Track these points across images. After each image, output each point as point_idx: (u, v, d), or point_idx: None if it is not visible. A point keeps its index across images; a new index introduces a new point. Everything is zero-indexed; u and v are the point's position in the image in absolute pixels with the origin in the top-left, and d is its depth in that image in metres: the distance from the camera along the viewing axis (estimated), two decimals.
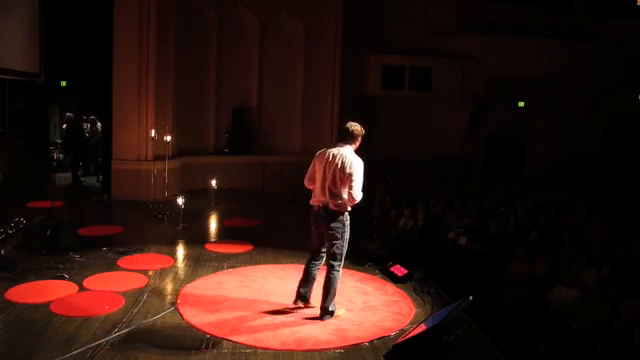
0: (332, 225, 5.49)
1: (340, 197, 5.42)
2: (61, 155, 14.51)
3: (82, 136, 13.38)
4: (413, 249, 8.33)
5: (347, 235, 5.59)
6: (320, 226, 5.62)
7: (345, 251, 5.63)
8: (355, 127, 5.57)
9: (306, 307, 5.87)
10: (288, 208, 10.78)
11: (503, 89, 15.60)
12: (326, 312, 5.65)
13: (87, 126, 13.78)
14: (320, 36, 13.69)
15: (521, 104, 16.35)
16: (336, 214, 5.48)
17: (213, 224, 10.18)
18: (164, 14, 11.37)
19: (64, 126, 14.03)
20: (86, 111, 14.06)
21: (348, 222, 5.56)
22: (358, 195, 5.40)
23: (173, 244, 8.33)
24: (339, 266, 5.64)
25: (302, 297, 5.89)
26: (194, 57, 12.82)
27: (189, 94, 12.72)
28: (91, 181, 13.32)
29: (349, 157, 5.43)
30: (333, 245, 5.56)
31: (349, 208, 5.53)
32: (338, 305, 5.80)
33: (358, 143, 5.60)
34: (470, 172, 15.74)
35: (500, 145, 17.01)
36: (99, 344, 4.86)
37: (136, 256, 7.54)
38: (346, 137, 5.55)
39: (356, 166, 5.39)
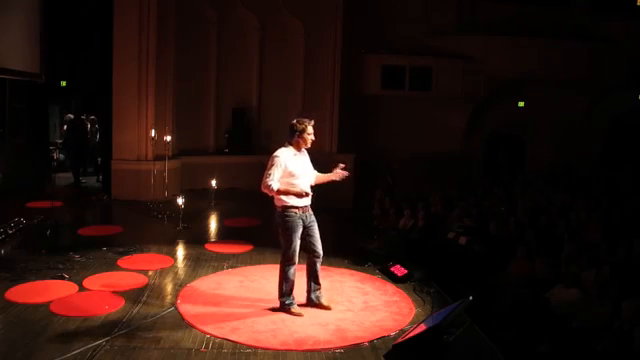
0: (276, 221, 5.70)
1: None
2: (61, 155, 14.51)
3: (82, 136, 13.37)
4: (413, 249, 8.33)
5: (288, 232, 5.60)
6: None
7: (292, 247, 5.62)
8: (292, 122, 5.70)
9: (324, 308, 5.86)
10: None
11: (503, 89, 15.60)
12: (281, 305, 5.75)
13: (89, 125, 13.77)
14: (320, 36, 13.69)
15: (521, 104, 16.34)
16: (275, 210, 5.69)
17: (213, 224, 10.18)
18: (164, 14, 11.38)
19: (64, 126, 14.02)
20: (86, 111, 14.06)
21: (287, 218, 5.59)
22: (264, 181, 5.45)
23: (173, 244, 8.33)
24: (283, 262, 5.70)
25: (312, 302, 5.92)
26: (194, 57, 12.83)
27: (189, 94, 12.73)
28: (91, 181, 13.32)
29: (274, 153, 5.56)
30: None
31: (287, 202, 5.57)
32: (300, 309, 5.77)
33: (297, 136, 5.62)
34: (470, 172, 15.73)
35: (500, 145, 17.00)
36: (99, 344, 4.86)
37: (136, 256, 7.55)
38: (287, 135, 5.70)
39: (271, 158, 5.54)
